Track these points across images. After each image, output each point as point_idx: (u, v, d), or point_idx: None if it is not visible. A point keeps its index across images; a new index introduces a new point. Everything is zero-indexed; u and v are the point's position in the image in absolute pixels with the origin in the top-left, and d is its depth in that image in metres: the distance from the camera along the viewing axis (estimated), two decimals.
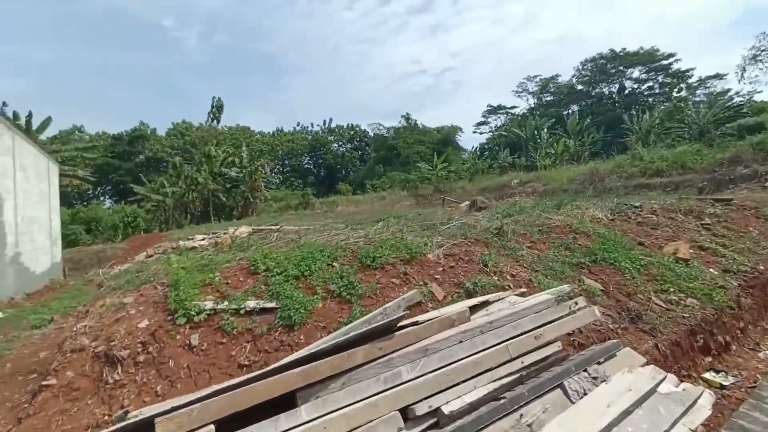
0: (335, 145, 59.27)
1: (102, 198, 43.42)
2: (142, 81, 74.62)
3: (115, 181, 41.60)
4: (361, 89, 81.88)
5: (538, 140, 31.20)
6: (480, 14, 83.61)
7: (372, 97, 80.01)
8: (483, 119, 49.69)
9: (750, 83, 26.45)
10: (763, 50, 23.40)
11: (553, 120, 36.01)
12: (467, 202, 13.36)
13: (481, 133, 49.09)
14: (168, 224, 21.56)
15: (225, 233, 8.00)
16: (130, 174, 37.17)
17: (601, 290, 3.61)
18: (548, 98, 43.36)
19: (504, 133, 39.35)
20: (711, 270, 4.23)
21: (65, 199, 36.29)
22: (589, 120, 32.52)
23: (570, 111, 38.64)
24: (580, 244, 4.44)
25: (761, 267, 4.38)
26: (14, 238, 9.39)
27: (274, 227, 8.79)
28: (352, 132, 61.03)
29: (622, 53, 36.72)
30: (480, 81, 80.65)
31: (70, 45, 72.87)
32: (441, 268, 3.77)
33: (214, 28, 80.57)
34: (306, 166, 58.86)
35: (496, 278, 3.66)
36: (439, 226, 5.29)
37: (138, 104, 76.52)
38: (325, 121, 58.44)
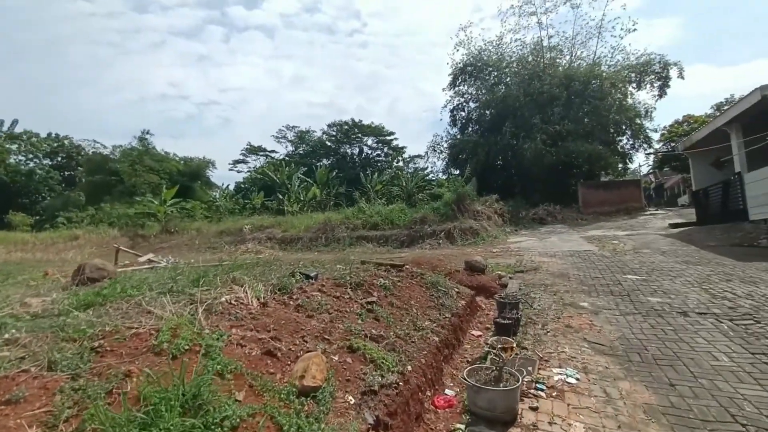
0: (19, 157, 41.47)
1: None
2: None
3: None
4: (94, 100, 63.72)
5: (289, 186, 31.31)
6: (254, 60, 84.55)
7: (112, 112, 63.44)
8: (242, 158, 47.18)
9: (430, 166, 37.87)
10: (436, 144, 35.19)
11: (306, 169, 37.76)
12: (149, 256, 10.00)
13: (238, 172, 46.21)
14: None
15: None
16: None
17: None
18: (302, 150, 46.02)
19: (259, 175, 38.01)
20: (347, 397, 3.04)
21: None
22: (335, 173, 35.72)
23: (321, 163, 41.85)
24: (119, 395, 2.42)
25: (409, 368, 3.58)
26: None
27: None
28: (56, 144, 44.69)
29: (360, 123, 43.95)
30: (247, 122, 79.24)
31: None
32: None
33: None
34: None
35: None
36: None
37: None
38: (1, 121, 40.15)
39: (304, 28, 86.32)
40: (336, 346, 3.76)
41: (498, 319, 5.00)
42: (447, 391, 4.04)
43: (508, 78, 30.97)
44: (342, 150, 45.83)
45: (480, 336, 5.71)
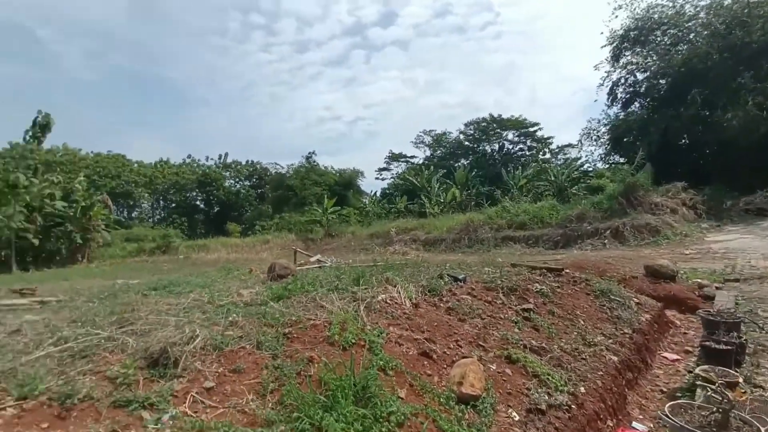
0: (230, 181, 54.59)
1: None
2: (11, 97, 60.73)
3: None
4: (274, 129, 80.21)
5: (429, 189, 32.08)
6: (391, 74, 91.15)
7: (287, 138, 78.76)
8: (385, 165, 50.86)
9: (585, 155, 32.08)
10: (591, 129, 29.61)
11: (445, 171, 38.03)
12: (318, 256, 11.59)
13: (383, 179, 49.91)
14: None
15: None
16: None
17: None
18: (439, 152, 46.48)
19: (401, 181, 40.31)
20: (510, 413, 2.83)
21: None
22: (474, 173, 34.85)
23: (459, 164, 41.50)
24: (306, 376, 2.78)
25: (582, 389, 3.14)
26: None
27: None
28: (251, 169, 57.13)
29: (498, 118, 41.53)
30: (389, 132, 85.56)
31: None
32: None
33: (105, 46, 71.57)
34: (194, 202, 52.70)
35: None
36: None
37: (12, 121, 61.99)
38: (220, 155, 53.70)
39: (435, 33, 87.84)
40: (492, 355, 3.55)
41: (707, 343, 3.86)
42: (636, 424, 3.32)
43: (693, 34, 24.29)
44: (480, 148, 44.37)
45: (677, 361, 4.55)
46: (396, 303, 4.31)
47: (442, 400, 2.81)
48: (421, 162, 46.04)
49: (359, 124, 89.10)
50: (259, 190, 55.09)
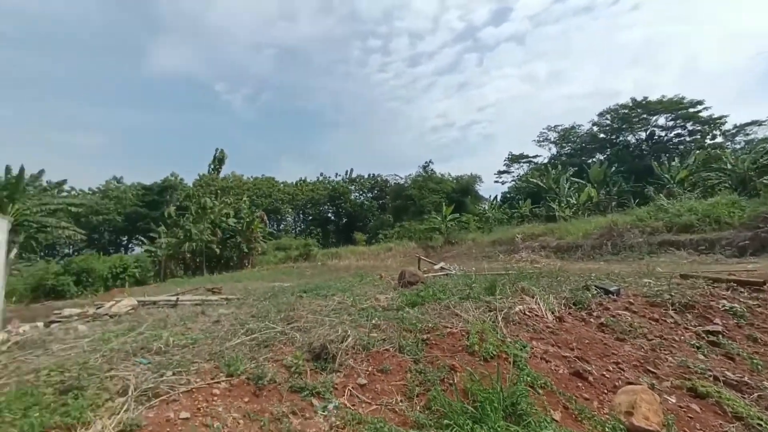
0: (355, 194, 59.62)
1: (130, 246, 44.94)
2: (197, 138, 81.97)
3: (141, 229, 43.19)
4: (392, 142, 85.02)
5: (557, 190, 29.07)
6: (506, 72, 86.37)
7: (403, 149, 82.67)
8: (505, 168, 48.28)
9: None
10: None
11: (576, 169, 33.93)
12: (441, 264, 11.61)
13: (503, 183, 47.41)
14: (160, 276, 21.02)
15: (100, 306, 6.72)
16: (158, 222, 38.63)
17: None
18: (567, 149, 41.62)
19: (523, 183, 37.57)
20: None
21: (54, 250, 37.62)
22: (614, 168, 30.18)
23: (594, 159, 36.45)
24: (449, 384, 2.75)
25: None
26: None
27: (172, 298, 7.48)
28: (372, 181, 61.33)
29: (644, 102, 34.91)
30: (506, 132, 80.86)
31: (141, 107, 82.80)
32: None
33: (259, 90, 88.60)
34: (326, 215, 59.28)
35: None
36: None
37: (192, 160, 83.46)
38: (347, 171, 59.40)
39: (555, 20, 79.41)
40: (668, 384, 2.97)
41: None
42: None
43: None
44: (620, 139, 38.12)
45: None
46: (536, 315, 4.01)
47: (607, 430, 2.47)
48: (545, 161, 42.15)
49: (473, 128, 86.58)
50: (381, 201, 58.54)
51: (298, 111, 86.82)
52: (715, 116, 33.13)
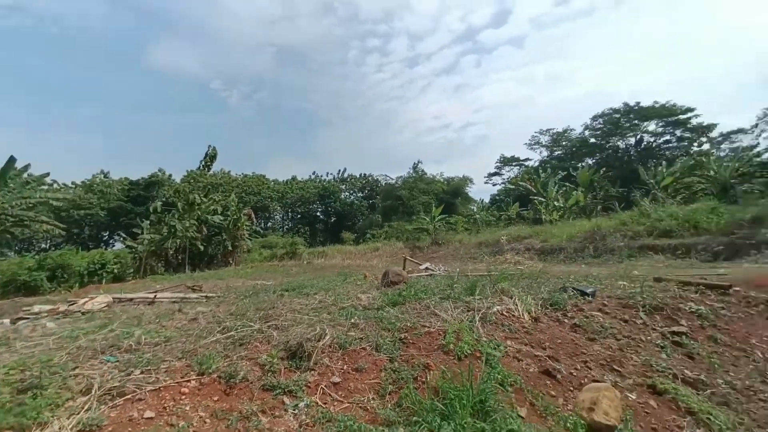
0: (346, 193, 59.52)
1: (112, 241, 44.01)
2: (190, 137, 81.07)
3: (125, 224, 42.33)
4: (386, 142, 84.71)
5: (545, 194, 29.46)
6: (504, 75, 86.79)
7: (398, 149, 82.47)
8: (496, 170, 48.73)
9: (766, 143, 24.72)
10: None
11: (565, 173, 34.42)
12: (426, 264, 11.68)
13: (493, 185, 47.86)
14: (139, 273, 20.67)
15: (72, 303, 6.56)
16: (143, 218, 37.86)
17: None
18: (558, 152, 42.21)
19: (512, 185, 37.97)
20: None
21: (30, 245, 36.75)
22: (602, 172, 30.72)
23: (582, 164, 37.07)
24: (422, 382, 2.80)
25: None
26: None
27: (150, 295, 7.39)
28: (363, 181, 61.27)
29: (636, 107, 35.58)
30: (501, 135, 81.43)
31: (142, 108, 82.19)
32: None
33: (255, 88, 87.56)
34: (315, 213, 59.00)
35: None
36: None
37: (183, 158, 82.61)
38: (339, 170, 59.31)
39: (555, 22, 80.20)
40: (631, 382, 3.06)
41: None
42: None
43: None
44: (610, 144, 38.76)
45: None
46: (513, 316, 4.09)
47: (569, 425, 2.55)
48: (535, 165, 42.68)
49: (469, 129, 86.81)
50: (371, 201, 58.53)
51: (294, 110, 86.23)
52: (705, 124, 34.00)
